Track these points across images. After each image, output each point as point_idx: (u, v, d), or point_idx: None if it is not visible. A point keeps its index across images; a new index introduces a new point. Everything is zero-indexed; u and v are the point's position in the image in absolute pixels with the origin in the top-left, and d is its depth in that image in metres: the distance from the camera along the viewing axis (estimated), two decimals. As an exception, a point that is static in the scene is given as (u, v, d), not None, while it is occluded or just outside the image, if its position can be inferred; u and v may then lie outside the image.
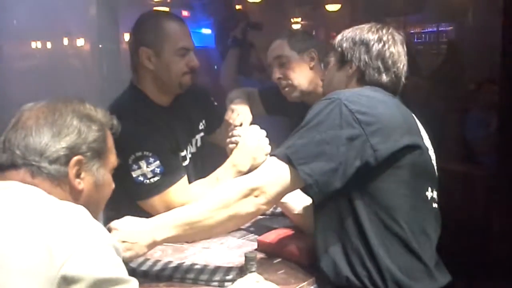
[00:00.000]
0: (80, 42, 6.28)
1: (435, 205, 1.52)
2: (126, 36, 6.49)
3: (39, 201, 1.04)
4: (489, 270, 2.74)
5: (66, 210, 1.03)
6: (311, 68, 2.20)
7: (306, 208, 1.73)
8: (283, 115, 2.59)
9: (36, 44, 6.40)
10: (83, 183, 1.14)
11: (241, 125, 2.08)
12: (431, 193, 1.49)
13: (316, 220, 1.53)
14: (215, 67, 4.64)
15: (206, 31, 7.45)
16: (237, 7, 5.63)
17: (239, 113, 2.13)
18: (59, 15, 5.32)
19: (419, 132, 1.52)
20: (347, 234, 1.42)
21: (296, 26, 7.64)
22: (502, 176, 2.90)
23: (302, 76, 2.20)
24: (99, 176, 1.17)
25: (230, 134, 1.98)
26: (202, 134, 2.16)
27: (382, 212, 1.40)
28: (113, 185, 1.24)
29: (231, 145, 1.94)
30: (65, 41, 6.31)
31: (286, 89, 2.22)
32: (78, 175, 1.13)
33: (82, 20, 5.41)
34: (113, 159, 1.23)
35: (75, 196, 1.13)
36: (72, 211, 1.03)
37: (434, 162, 1.55)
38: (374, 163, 1.38)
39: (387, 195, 1.40)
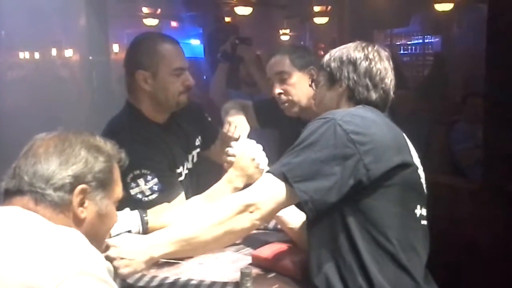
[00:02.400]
0: (69, 53, 6.29)
1: (424, 222, 1.56)
2: (115, 47, 6.53)
3: (35, 227, 1.06)
4: (475, 281, 2.79)
5: (60, 235, 1.05)
6: (310, 85, 2.23)
7: (301, 222, 1.77)
8: (275, 129, 2.63)
9: (24, 55, 6.40)
10: (85, 212, 1.16)
11: (239, 137, 2.10)
12: (420, 211, 1.53)
13: (309, 236, 1.57)
14: (204, 77, 4.67)
15: (195, 42, 7.52)
16: (227, 19, 5.70)
17: (237, 125, 2.16)
18: (49, 26, 5.33)
19: (410, 151, 1.56)
20: (340, 250, 1.46)
21: (284, 38, 7.74)
22: (487, 188, 2.96)
23: (302, 92, 2.22)
24: (102, 206, 1.19)
25: (226, 151, 2.01)
26: (198, 150, 2.20)
27: (373, 229, 1.44)
28: (116, 218, 1.27)
29: (226, 165, 1.97)
30: (54, 51, 6.32)
31: (286, 104, 2.24)
32: (81, 204, 1.15)
33: (72, 31, 5.43)
34: (118, 191, 1.25)
35: (77, 224, 1.14)
36: (66, 236, 1.05)
37: (423, 180, 1.59)
38: (366, 182, 1.42)
39: (378, 213, 1.44)
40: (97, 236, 1.22)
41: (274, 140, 2.74)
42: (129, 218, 1.73)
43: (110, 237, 1.61)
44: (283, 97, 2.23)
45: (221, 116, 2.35)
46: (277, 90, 2.23)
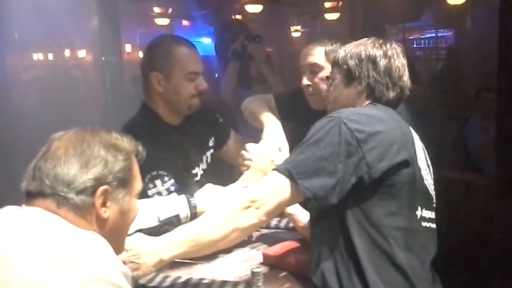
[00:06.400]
0: (82, 53, 6.35)
1: (426, 224, 1.54)
2: (128, 47, 6.57)
3: (55, 230, 1.07)
4: (490, 278, 2.76)
5: (79, 239, 1.06)
6: None
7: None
8: (297, 122, 2.56)
9: (38, 56, 6.46)
10: (108, 212, 1.16)
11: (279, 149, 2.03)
12: (420, 212, 1.52)
13: (311, 232, 1.59)
14: (216, 75, 4.68)
15: (206, 40, 7.53)
16: (237, 17, 5.70)
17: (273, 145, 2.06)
18: (61, 28, 5.38)
19: (415, 151, 1.55)
20: (338, 247, 1.47)
21: (296, 35, 7.73)
22: (501, 183, 2.93)
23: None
24: (124, 204, 1.19)
25: (241, 154, 2.00)
26: (212, 150, 2.21)
27: (371, 228, 1.44)
28: (137, 211, 1.27)
29: (243, 168, 1.96)
30: (68, 53, 6.38)
31: (312, 96, 2.16)
32: (103, 204, 1.15)
33: (84, 32, 5.47)
34: (138, 185, 1.25)
35: (101, 224, 1.15)
36: (85, 240, 1.06)
37: (427, 182, 1.58)
38: (368, 180, 1.43)
39: (377, 212, 1.45)
40: (121, 232, 1.23)
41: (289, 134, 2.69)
42: (176, 202, 1.73)
43: (159, 220, 1.65)
44: (310, 89, 2.15)
45: (245, 115, 2.32)
46: (306, 81, 2.14)
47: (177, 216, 1.70)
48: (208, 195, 1.80)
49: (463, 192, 3.16)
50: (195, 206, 1.74)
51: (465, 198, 3.10)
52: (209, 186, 1.86)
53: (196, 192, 1.82)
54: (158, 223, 1.64)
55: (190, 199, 1.75)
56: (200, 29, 7.06)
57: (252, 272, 1.49)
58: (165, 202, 1.73)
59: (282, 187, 1.47)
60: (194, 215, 1.71)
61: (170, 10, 6.54)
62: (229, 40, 3.79)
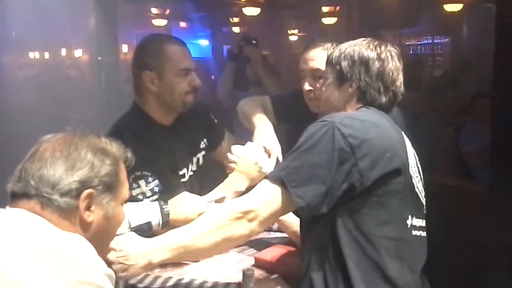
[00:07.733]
0: (79, 53, 6.33)
1: (416, 232, 1.51)
2: (124, 48, 6.56)
3: (39, 232, 1.06)
4: (484, 284, 2.77)
5: (63, 241, 1.05)
6: None
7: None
8: (294, 125, 2.54)
9: (34, 55, 6.45)
10: (92, 216, 1.15)
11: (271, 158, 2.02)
12: (411, 221, 1.49)
13: (302, 240, 1.57)
14: (212, 77, 4.68)
15: (204, 42, 7.54)
16: (235, 19, 5.72)
17: (269, 150, 2.04)
18: (58, 27, 5.37)
19: (407, 158, 1.51)
20: (327, 255, 1.44)
21: (293, 38, 7.75)
22: (494, 189, 2.94)
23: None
24: (109, 209, 1.18)
25: (226, 157, 1.99)
26: (203, 152, 2.20)
27: (360, 237, 1.41)
28: (123, 217, 1.26)
29: (228, 170, 1.96)
30: (64, 52, 6.36)
31: (313, 101, 2.10)
32: (88, 208, 1.14)
33: (81, 31, 5.46)
34: (124, 192, 1.24)
35: (84, 228, 1.14)
36: (68, 242, 1.05)
37: (418, 189, 1.54)
38: (359, 188, 1.39)
39: (367, 221, 1.42)
40: (105, 237, 1.22)
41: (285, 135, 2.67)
42: (149, 209, 1.70)
43: (130, 227, 1.60)
44: (311, 94, 2.10)
45: (239, 115, 2.30)
46: (308, 87, 2.08)
47: (148, 223, 1.66)
48: (182, 203, 1.78)
49: (455, 198, 3.17)
50: (168, 214, 1.70)
51: (457, 204, 3.10)
52: (184, 194, 1.84)
53: (170, 200, 1.79)
54: (129, 230, 1.59)
55: (163, 206, 1.71)
56: (197, 31, 7.08)
57: (244, 274, 1.49)
58: (137, 208, 1.69)
59: (275, 197, 1.44)
60: (166, 223, 1.68)
61: (167, 12, 6.53)
62: (226, 42, 3.80)
